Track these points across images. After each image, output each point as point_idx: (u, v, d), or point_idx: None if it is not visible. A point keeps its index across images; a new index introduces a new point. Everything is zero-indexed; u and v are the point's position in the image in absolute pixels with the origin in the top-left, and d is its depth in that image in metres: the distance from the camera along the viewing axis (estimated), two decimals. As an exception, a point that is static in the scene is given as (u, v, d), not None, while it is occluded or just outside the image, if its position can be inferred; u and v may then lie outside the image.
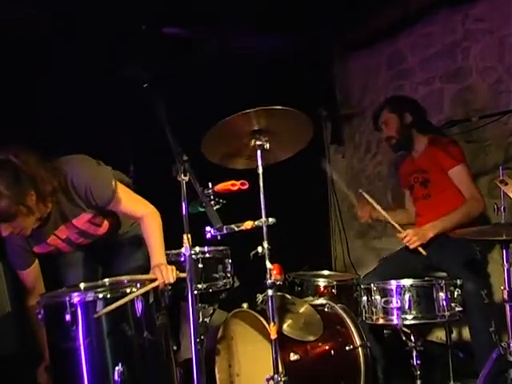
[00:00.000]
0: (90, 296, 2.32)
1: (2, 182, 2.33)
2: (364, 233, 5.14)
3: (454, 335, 3.69)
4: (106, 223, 2.83)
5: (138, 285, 2.39)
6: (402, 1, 4.29)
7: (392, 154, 4.19)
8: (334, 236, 5.31)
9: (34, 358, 2.58)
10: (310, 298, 3.33)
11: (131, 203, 2.72)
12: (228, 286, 2.92)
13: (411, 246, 3.20)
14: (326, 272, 3.83)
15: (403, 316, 2.76)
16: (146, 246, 2.76)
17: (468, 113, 4.00)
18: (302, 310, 3.03)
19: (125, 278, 2.68)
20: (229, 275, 2.91)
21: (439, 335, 3.90)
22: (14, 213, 2.36)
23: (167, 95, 2.50)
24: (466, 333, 3.52)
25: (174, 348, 2.75)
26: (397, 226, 3.32)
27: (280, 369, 2.56)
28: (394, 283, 2.81)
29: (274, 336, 2.55)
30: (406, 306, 2.76)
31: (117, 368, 2.28)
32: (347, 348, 2.96)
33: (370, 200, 3.46)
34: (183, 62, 4.16)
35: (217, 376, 3.14)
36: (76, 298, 2.30)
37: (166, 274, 2.55)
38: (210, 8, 4.01)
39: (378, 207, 3.43)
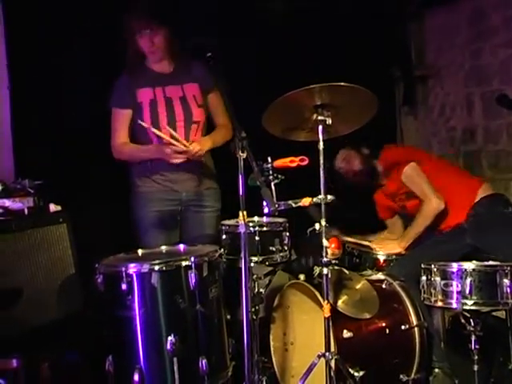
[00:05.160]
0: (145, 268, 2.36)
1: None
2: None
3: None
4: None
5: (193, 258, 2.40)
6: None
7: (468, 121, 4.05)
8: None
9: (99, 316, 2.64)
10: (369, 272, 3.28)
11: None
12: (285, 260, 2.89)
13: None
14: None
15: (463, 301, 2.66)
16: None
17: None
18: (358, 285, 2.98)
19: (182, 246, 2.74)
20: (286, 248, 2.88)
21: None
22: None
23: (228, 66, 2.47)
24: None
25: (228, 317, 2.77)
26: (365, 242, 3.46)
27: (332, 346, 2.56)
28: (455, 266, 2.70)
29: (327, 314, 2.53)
30: (467, 291, 2.65)
31: (169, 338, 2.33)
32: (403, 327, 2.91)
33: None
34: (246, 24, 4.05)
35: (271, 344, 3.16)
36: (132, 268, 2.35)
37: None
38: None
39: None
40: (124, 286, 2.34)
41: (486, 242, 3.16)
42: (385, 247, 3.38)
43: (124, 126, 3.07)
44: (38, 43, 3.36)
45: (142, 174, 3.10)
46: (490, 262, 2.78)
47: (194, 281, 2.38)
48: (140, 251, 2.69)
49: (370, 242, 3.48)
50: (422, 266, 2.86)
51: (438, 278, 2.75)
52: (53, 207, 2.86)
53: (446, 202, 3.26)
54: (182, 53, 3.06)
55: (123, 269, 2.35)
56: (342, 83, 2.43)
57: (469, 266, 2.69)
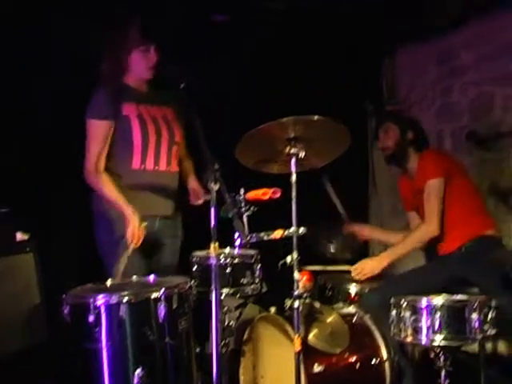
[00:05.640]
0: (113, 299, 2.31)
1: None
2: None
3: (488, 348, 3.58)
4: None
5: (162, 290, 2.37)
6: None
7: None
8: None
9: (64, 347, 2.58)
10: (340, 305, 3.27)
11: None
12: (256, 292, 2.88)
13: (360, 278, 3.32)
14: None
15: (432, 336, 2.67)
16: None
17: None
18: (329, 319, 2.96)
19: (152, 277, 2.70)
20: (257, 280, 2.87)
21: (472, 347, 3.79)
22: None
23: (202, 96, 2.48)
24: (501, 347, 3.45)
25: (198, 350, 2.74)
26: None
27: (302, 380, 2.54)
28: (424, 302, 2.71)
29: (297, 348, 2.52)
30: (436, 326, 2.66)
31: (137, 371, 2.29)
32: (373, 361, 2.90)
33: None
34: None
35: (241, 377, 3.12)
36: (100, 300, 2.30)
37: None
38: None
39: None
40: (91, 318, 2.29)
41: (470, 271, 3.16)
42: (363, 269, 3.33)
43: (103, 138, 2.89)
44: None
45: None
46: (459, 297, 2.80)
47: (163, 313, 2.34)
48: (109, 281, 2.64)
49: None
50: (392, 300, 2.86)
51: (407, 313, 2.75)
52: (19, 236, 2.81)
53: (449, 226, 3.28)
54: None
55: (91, 300, 2.30)
56: (315, 116, 2.46)
57: (438, 301, 2.70)
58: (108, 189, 2.87)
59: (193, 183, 3.15)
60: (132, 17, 2.93)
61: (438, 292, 2.85)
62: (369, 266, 3.32)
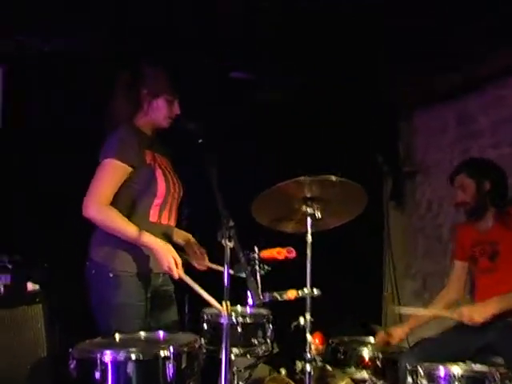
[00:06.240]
0: (121, 356, 2.25)
1: None
2: (419, 293, 4.94)
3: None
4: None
5: (172, 348, 2.31)
6: (472, 63, 4.13)
7: (455, 218, 4.04)
8: (386, 297, 5.11)
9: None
10: (353, 370, 3.17)
11: None
12: (267, 353, 2.79)
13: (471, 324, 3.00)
14: (371, 339, 3.64)
15: (450, 406, 2.57)
16: None
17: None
18: (341, 384, 2.89)
19: (162, 333, 2.64)
20: (268, 341, 2.79)
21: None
22: None
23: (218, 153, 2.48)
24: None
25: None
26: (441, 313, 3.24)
27: None
28: (442, 370, 2.61)
29: (308, 414, 2.43)
30: (454, 396, 2.56)
31: (143, 431, 2.22)
32: (386, 431, 2.79)
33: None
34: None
35: None
36: (107, 356, 2.24)
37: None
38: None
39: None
40: (98, 375, 2.22)
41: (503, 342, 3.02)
42: (478, 317, 2.99)
43: (116, 182, 2.67)
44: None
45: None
46: (478, 367, 2.70)
47: (171, 372, 2.27)
48: (118, 336, 2.58)
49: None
50: (408, 367, 2.77)
51: (424, 381, 2.66)
52: (30, 286, 2.77)
53: None
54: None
55: (98, 355, 2.24)
56: (333, 177, 2.44)
57: (457, 370, 2.61)
58: (125, 221, 2.64)
59: (195, 246, 3.00)
60: (162, 66, 2.89)
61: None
62: (476, 315, 2.97)
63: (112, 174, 2.68)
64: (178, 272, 2.61)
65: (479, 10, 3.44)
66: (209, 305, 2.77)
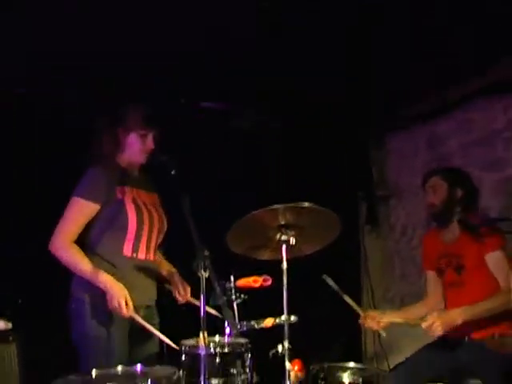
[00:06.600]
0: (98, 392, 2.23)
1: None
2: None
3: None
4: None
5: (149, 382, 2.29)
6: (440, 88, 4.22)
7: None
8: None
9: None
10: (333, 397, 3.16)
11: None
12: (246, 382, 2.76)
13: (435, 335, 3.00)
14: (352, 364, 3.63)
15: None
16: None
17: (507, 205, 3.87)
18: (322, 411, 2.87)
19: (139, 367, 2.61)
20: (247, 370, 2.76)
21: None
22: None
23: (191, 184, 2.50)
24: None
25: None
26: (399, 320, 3.29)
27: None
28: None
29: None
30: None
31: None
32: None
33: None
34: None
35: None
36: (84, 394, 2.22)
37: None
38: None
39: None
40: (74, 414, 2.19)
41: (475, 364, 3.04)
42: (443, 325, 2.97)
43: (83, 220, 2.81)
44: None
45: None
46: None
47: (147, 405, 2.25)
48: (94, 372, 2.54)
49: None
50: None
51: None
52: (2, 324, 2.73)
53: None
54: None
55: (74, 394, 2.21)
56: (306, 204, 2.47)
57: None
58: (84, 261, 2.76)
59: (177, 279, 3.04)
60: (135, 103, 2.98)
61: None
62: (440, 322, 2.95)
63: (76, 211, 2.82)
64: (128, 311, 2.69)
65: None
66: (187, 336, 2.77)
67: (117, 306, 2.69)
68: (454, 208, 3.32)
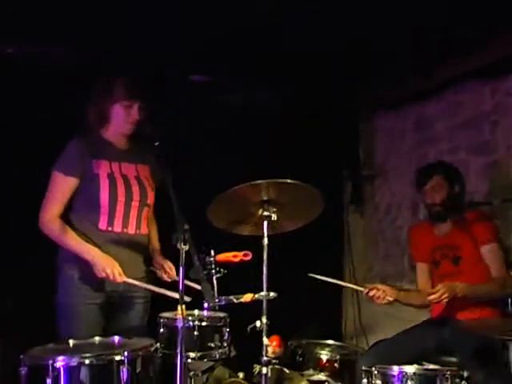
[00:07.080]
0: (74, 361, 2.24)
1: None
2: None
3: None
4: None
5: (126, 353, 2.29)
6: (430, 68, 4.20)
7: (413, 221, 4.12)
8: (345, 298, 5.15)
9: None
10: (311, 372, 3.20)
11: None
12: (224, 356, 2.79)
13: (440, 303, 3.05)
14: (330, 341, 3.66)
15: (404, 405, 2.60)
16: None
17: (493, 189, 3.88)
18: (298, 386, 2.90)
19: (117, 338, 2.62)
20: (225, 344, 2.78)
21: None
22: None
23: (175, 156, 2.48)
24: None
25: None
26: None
27: None
28: (396, 369, 2.66)
29: (265, 416, 2.44)
30: (408, 395, 2.60)
31: None
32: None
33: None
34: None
35: None
36: (60, 362, 2.22)
37: None
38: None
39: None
40: (49, 381, 2.20)
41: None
42: (451, 286, 3.00)
43: (63, 195, 2.85)
44: None
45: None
46: (431, 366, 2.76)
47: (125, 377, 2.27)
48: (71, 342, 2.55)
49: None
50: (363, 368, 2.80)
51: (379, 382, 2.69)
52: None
53: None
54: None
55: (50, 362, 2.22)
56: (288, 180, 2.46)
57: (409, 369, 2.66)
58: (68, 235, 2.81)
59: (159, 259, 3.06)
60: (120, 74, 2.96)
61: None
62: (446, 290, 2.96)
63: (55, 185, 2.87)
64: (121, 277, 2.75)
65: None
66: (166, 309, 2.78)
67: (106, 275, 2.72)
68: (454, 205, 3.37)
